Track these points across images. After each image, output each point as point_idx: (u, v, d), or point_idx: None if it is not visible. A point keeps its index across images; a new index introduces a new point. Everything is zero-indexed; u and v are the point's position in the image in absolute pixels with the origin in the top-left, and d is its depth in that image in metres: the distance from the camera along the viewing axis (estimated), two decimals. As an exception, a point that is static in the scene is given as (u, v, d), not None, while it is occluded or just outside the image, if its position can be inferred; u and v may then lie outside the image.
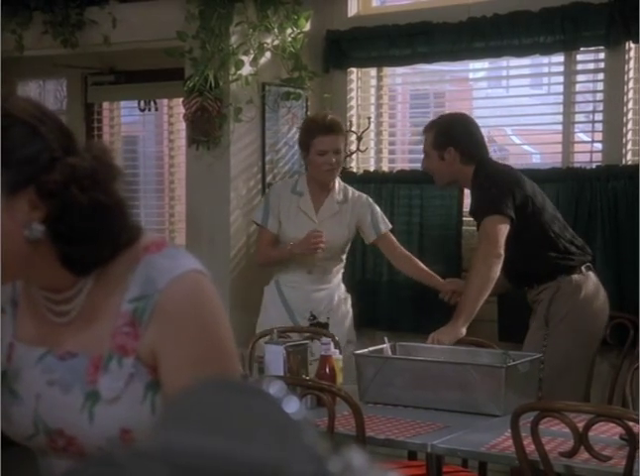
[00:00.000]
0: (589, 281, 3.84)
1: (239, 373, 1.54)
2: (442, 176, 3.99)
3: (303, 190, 4.18)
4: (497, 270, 3.72)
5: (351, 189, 4.26)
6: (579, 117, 4.63)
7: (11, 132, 1.38)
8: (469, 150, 3.90)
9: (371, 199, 4.28)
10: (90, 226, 1.41)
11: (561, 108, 4.59)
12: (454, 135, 3.91)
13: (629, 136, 4.39)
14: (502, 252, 3.71)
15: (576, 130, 4.60)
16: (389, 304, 4.75)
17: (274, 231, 4.17)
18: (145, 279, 1.44)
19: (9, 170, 1.37)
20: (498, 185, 3.79)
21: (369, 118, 4.96)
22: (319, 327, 4.11)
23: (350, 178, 4.70)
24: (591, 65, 4.62)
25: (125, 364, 1.43)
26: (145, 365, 1.43)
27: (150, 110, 5.81)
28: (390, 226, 4.29)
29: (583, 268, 3.84)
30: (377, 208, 4.26)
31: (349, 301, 4.28)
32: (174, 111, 5.66)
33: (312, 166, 4.13)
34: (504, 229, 3.73)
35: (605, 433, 2.81)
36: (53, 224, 1.39)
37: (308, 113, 4.82)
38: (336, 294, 4.23)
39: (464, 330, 3.70)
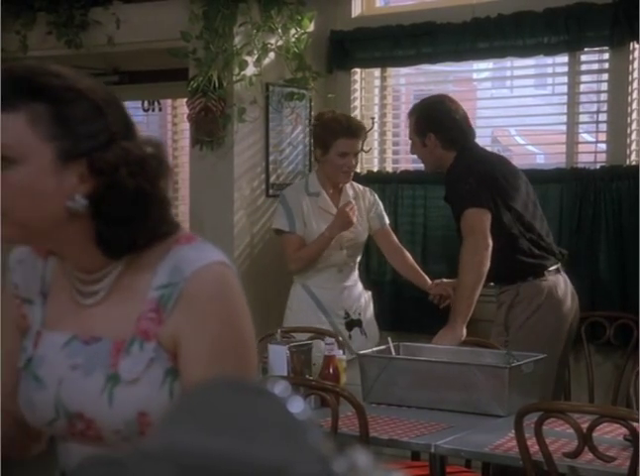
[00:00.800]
0: (550, 282, 3.78)
1: (255, 367, 1.56)
2: (427, 162, 3.98)
3: (319, 190, 4.18)
4: (488, 263, 3.67)
5: (355, 183, 4.30)
6: (583, 117, 4.62)
7: (77, 105, 1.44)
8: (450, 135, 3.84)
9: (373, 191, 4.37)
10: (130, 211, 1.46)
11: (565, 108, 4.59)
12: (434, 121, 3.86)
13: (633, 136, 4.38)
14: (490, 242, 3.66)
15: (580, 130, 4.60)
16: (393, 305, 4.75)
17: (302, 234, 4.14)
18: (172, 267, 1.48)
19: (67, 139, 1.43)
20: (476, 175, 3.73)
21: (372, 118, 4.96)
22: (354, 325, 4.14)
23: (353, 178, 4.70)
24: (596, 66, 4.61)
25: (146, 348, 1.47)
26: (166, 351, 1.47)
27: (153, 110, 5.82)
28: (389, 221, 4.36)
29: (545, 272, 3.78)
30: (379, 200, 4.35)
31: (370, 296, 4.31)
32: (178, 111, 5.67)
33: (329, 165, 4.12)
34: (487, 220, 3.68)
35: (609, 434, 2.80)
36: (97, 202, 1.44)
37: (312, 113, 4.82)
38: (360, 288, 4.25)
39: (464, 331, 3.69)
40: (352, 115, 4.95)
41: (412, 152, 4.07)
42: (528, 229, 3.80)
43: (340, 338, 3.84)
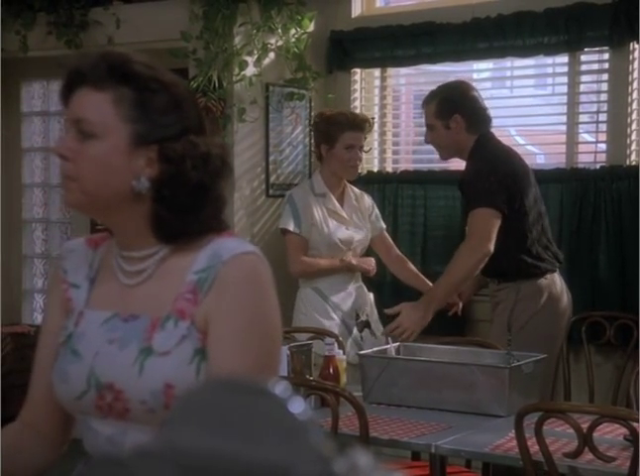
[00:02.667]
0: (550, 282, 3.77)
1: (280, 354, 1.63)
2: (447, 147, 3.87)
3: (324, 190, 4.18)
4: (481, 267, 3.64)
5: (352, 187, 4.31)
6: (583, 118, 4.62)
7: (159, 96, 1.56)
8: (475, 117, 3.79)
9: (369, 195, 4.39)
10: (188, 201, 1.57)
11: (565, 109, 4.59)
12: (458, 101, 3.80)
13: (633, 136, 4.38)
14: (492, 249, 3.61)
15: (580, 130, 4.60)
16: (393, 305, 4.74)
17: (307, 237, 4.14)
18: (212, 253, 1.57)
19: (144, 124, 1.55)
20: (497, 174, 3.69)
21: (372, 118, 4.95)
22: (364, 326, 4.14)
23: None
24: (596, 66, 4.61)
25: (180, 326, 1.55)
26: (198, 331, 1.55)
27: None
28: (385, 226, 4.36)
29: (547, 274, 3.78)
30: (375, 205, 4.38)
31: (372, 298, 4.32)
32: (178, 112, 5.67)
33: (336, 160, 4.11)
34: (496, 224, 3.64)
35: (610, 434, 2.80)
36: (159, 187, 1.56)
37: (312, 113, 4.82)
38: (366, 290, 4.26)
39: (430, 316, 3.65)
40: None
41: (428, 139, 3.93)
42: (541, 232, 3.79)
43: (340, 339, 3.83)
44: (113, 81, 1.55)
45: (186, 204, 1.57)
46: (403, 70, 5.06)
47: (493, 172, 3.70)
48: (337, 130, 4.07)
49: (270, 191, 4.79)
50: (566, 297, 3.84)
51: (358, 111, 4.99)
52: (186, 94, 1.62)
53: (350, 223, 4.18)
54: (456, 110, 3.78)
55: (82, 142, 1.55)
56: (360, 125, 4.11)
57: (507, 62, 4.80)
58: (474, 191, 3.73)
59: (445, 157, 3.99)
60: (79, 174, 1.56)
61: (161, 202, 1.57)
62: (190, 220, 1.58)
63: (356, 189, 4.31)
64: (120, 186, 1.56)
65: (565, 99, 4.59)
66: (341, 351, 3.47)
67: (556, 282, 3.81)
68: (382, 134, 5.11)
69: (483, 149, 3.78)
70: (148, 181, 1.55)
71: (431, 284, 4.18)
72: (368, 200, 4.32)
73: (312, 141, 4.80)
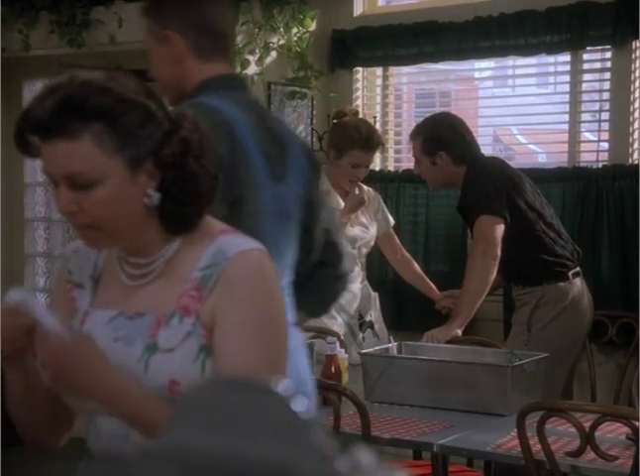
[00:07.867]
0: (575, 287, 3.80)
1: (285, 349, 1.62)
2: (435, 180, 3.95)
3: (328, 188, 4.15)
4: (494, 271, 3.69)
5: (361, 184, 4.28)
6: (585, 116, 4.62)
7: (130, 114, 1.52)
8: (460, 151, 3.84)
9: (376, 192, 4.35)
10: (199, 187, 1.58)
11: (567, 107, 4.59)
12: (442, 139, 3.84)
13: (636, 135, 4.38)
14: (499, 252, 3.67)
15: (582, 129, 4.60)
16: (395, 304, 4.75)
17: None
18: (216, 250, 1.58)
19: (131, 147, 1.52)
20: (494, 182, 3.74)
21: (374, 117, 4.96)
22: (366, 326, 4.13)
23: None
24: (598, 65, 4.61)
25: (185, 322, 1.56)
26: (203, 327, 1.56)
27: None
28: (394, 222, 4.32)
29: (570, 274, 3.80)
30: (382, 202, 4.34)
31: (377, 296, 4.30)
32: (180, 110, 5.66)
33: (339, 171, 4.04)
34: (500, 229, 3.69)
35: (612, 433, 2.80)
36: (167, 189, 1.56)
37: (314, 112, 4.82)
38: (370, 290, 4.24)
39: (459, 331, 3.71)
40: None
41: (417, 170, 4.02)
42: (549, 228, 3.82)
43: (342, 338, 3.83)
44: (82, 123, 1.50)
45: (198, 191, 1.59)
46: (405, 69, 5.06)
47: (489, 179, 3.76)
48: (347, 145, 3.97)
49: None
50: (586, 301, 3.84)
51: (360, 111, 4.99)
52: (146, 92, 1.56)
53: (355, 221, 4.16)
54: (441, 147, 3.83)
55: (84, 191, 1.53)
56: (372, 146, 4.00)
57: (509, 61, 4.80)
58: (474, 201, 3.78)
59: (432, 188, 4.09)
60: (98, 222, 1.55)
61: (173, 201, 1.57)
62: (202, 203, 1.60)
63: (363, 186, 4.29)
64: (134, 211, 1.56)
65: (567, 98, 4.59)
66: (343, 350, 3.47)
67: (583, 290, 3.84)
68: (384, 133, 5.10)
69: (476, 167, 3.83)
70: (155, 193, 1.56)
71: (434, 287, 4.19)
72: (374, 197, 4.29)
73: (314, 139, 4.81)
